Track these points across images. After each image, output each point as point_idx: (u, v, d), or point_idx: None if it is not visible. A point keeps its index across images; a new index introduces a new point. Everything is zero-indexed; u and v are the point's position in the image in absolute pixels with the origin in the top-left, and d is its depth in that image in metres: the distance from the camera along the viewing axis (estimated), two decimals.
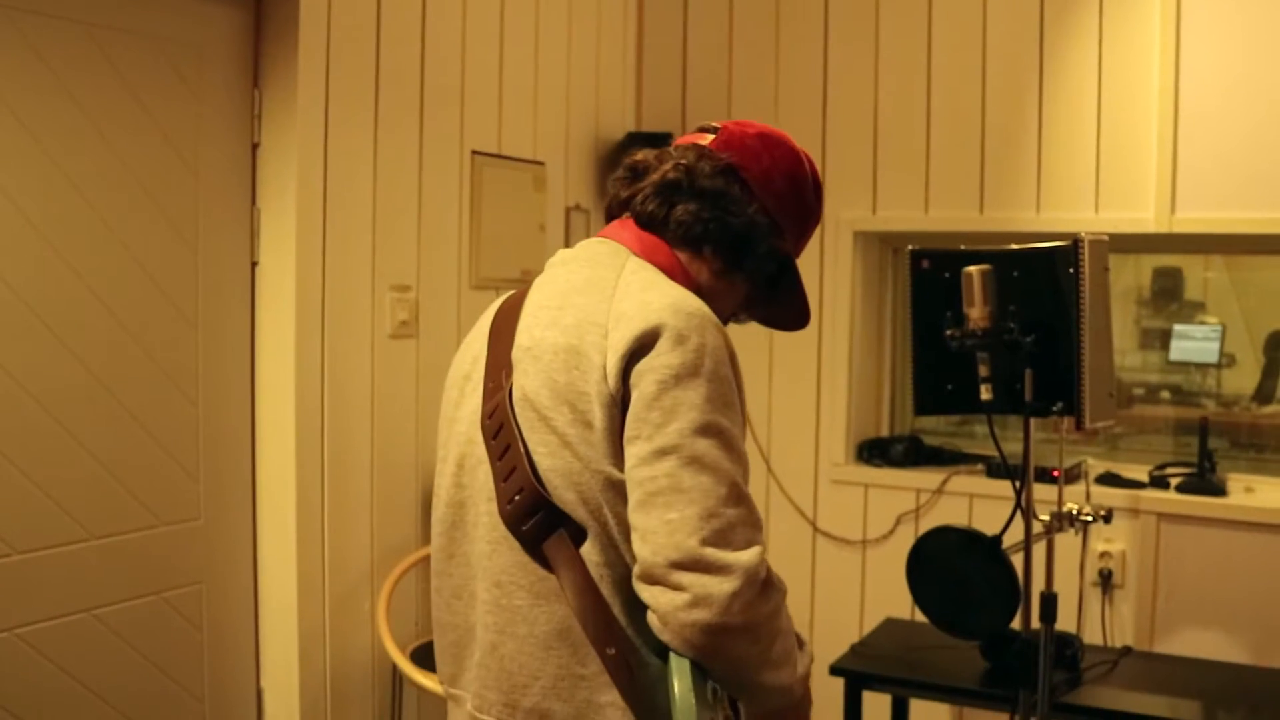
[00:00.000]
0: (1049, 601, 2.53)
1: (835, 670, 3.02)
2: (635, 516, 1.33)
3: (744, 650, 1.33)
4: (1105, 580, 3.54)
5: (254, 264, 3.03)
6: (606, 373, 1.36)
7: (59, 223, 2.57)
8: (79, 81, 2.60)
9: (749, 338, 4.02)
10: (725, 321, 1.62)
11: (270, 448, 3.04)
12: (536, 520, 1.38)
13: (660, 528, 1.30)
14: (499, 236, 3.57)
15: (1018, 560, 2.48)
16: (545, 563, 1.39)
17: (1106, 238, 2.39)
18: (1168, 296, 4.04)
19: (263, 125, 3.00)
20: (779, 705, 1.45)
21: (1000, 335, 2.32)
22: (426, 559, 3.31)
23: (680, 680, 1.30)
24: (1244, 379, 3.93)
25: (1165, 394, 4.06)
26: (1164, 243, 3.65)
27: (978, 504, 3.69)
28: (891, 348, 4.09)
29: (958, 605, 2.51)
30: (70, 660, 2.64)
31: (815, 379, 3.96)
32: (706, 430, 1.33)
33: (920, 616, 3.73)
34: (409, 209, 3.28)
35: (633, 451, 1.34)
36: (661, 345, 1.35)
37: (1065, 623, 3.27)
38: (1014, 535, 2.54)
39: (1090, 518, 2.60)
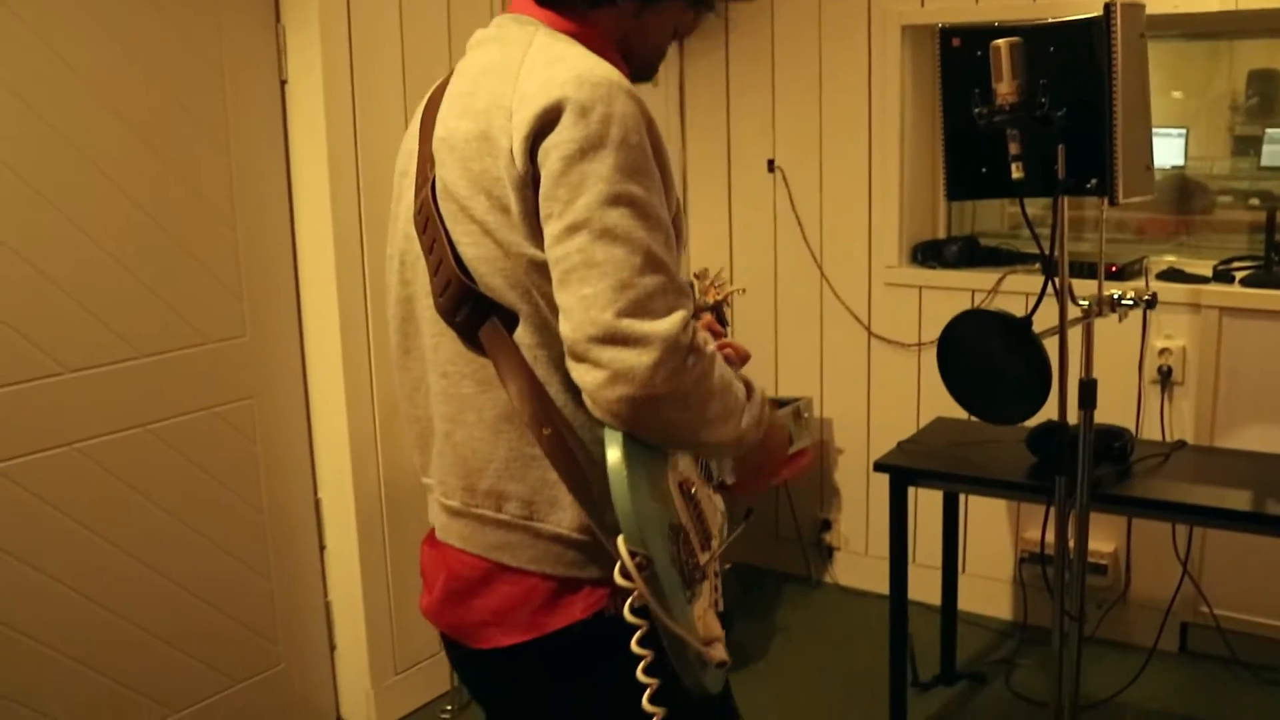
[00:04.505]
0: (1088, 388, 2.48)
1: (879, 466, 3.02)
2: (557, 296, 1.32)
3: (674, 417, 1.32)
4: (1165, 377, 3.46)
5: (283, 82, 3.01)
6: (513, 155, 1.32)
7: (83, 54, 2.57)
8: None
9: (795, 143, 3.93)
10: (664, 54, 1.58)
11: (311, 263, 3.07)
12: (468, 310, 1.38)
13: (576, 304, 1.28)
14: None
15: (1055, 346, 2.43)
16: (483, 350, 1.40)
17: (1143, 3, 2.26)
18: (1264, 101, 3.84)
19: None
20: (732, 455, 1.46)
21: (1030, 111, 2.22)
22: None
23: (611, 450, 1.30)
24: None
25: (1255, 200, 3.89)
26: (1230, 20, 3.45)
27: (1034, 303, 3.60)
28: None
29: (990, 390, 2.47)
30: (130, 473, 2.75)
31: (866, 180, 3.86)
32: (616, 200, 1.29)
33: (977, 418, 3.72)
34: (438, 21, 3.22)
35: (547, 231, 1.32)
36: (565, 120, 1.30)
37: (1123, 420, 3.22)
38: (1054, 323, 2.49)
39: (1132, 302, 2.53)
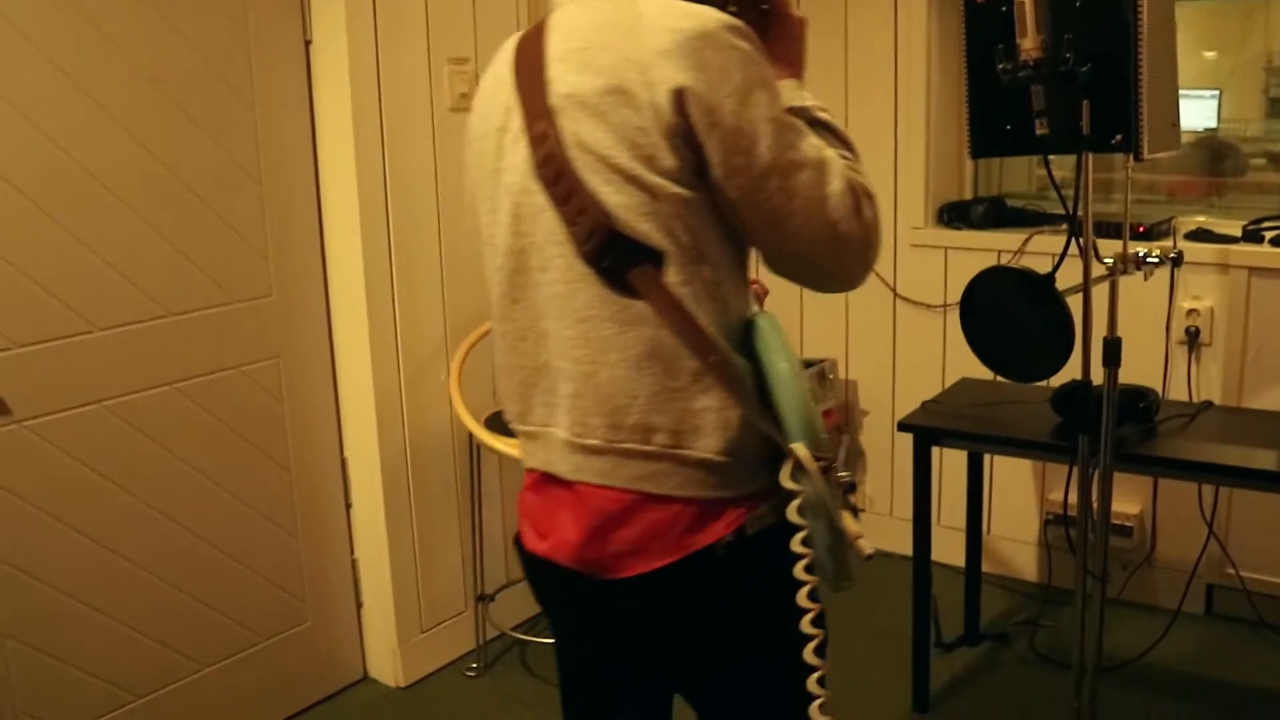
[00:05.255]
0: (1112, 346, 2.47)
1: (903, 426, 3.01)
2: (763, 236, 1.48)
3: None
4: (1192, 339, 3.43)
5: (307, 42, 3.01)
6: (659, 108, 1.41)
7: (107, 12, 2.58)
8: None
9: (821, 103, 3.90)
10: None
11: (337, 224, 3.09)
12: (615, 254, 1.46)
13: (791, 236, 1.47)
14: None
15: (1080, 305, 2.42)
16: (628, 292, 1.47)
17: None
18: None
19: None
20: None
21: (1055, 66, 2.20)
22: None
23: (781, 364, 1.47)
24: None
25: None
26: None
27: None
28: None
29: (1012, 347, 2.46)
30: (159, 431, 2.78)
31: (892, 141, 3.84)
32: (782, 132, 1.44)
33: (999, 375, 3.70)
34: None
35: (738, 183, 1.44)
36: (713, 76, 1.41)
37: (1150, 381, 3.21)
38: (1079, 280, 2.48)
39: (1157, 259, 2.51)
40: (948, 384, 3.77)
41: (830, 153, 1.50)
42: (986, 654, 3.43)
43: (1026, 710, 3.13)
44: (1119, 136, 2.25)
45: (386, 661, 3.32)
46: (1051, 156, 3.12)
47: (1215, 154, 3.89)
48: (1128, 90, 2.20)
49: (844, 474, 1.51)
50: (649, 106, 1.41)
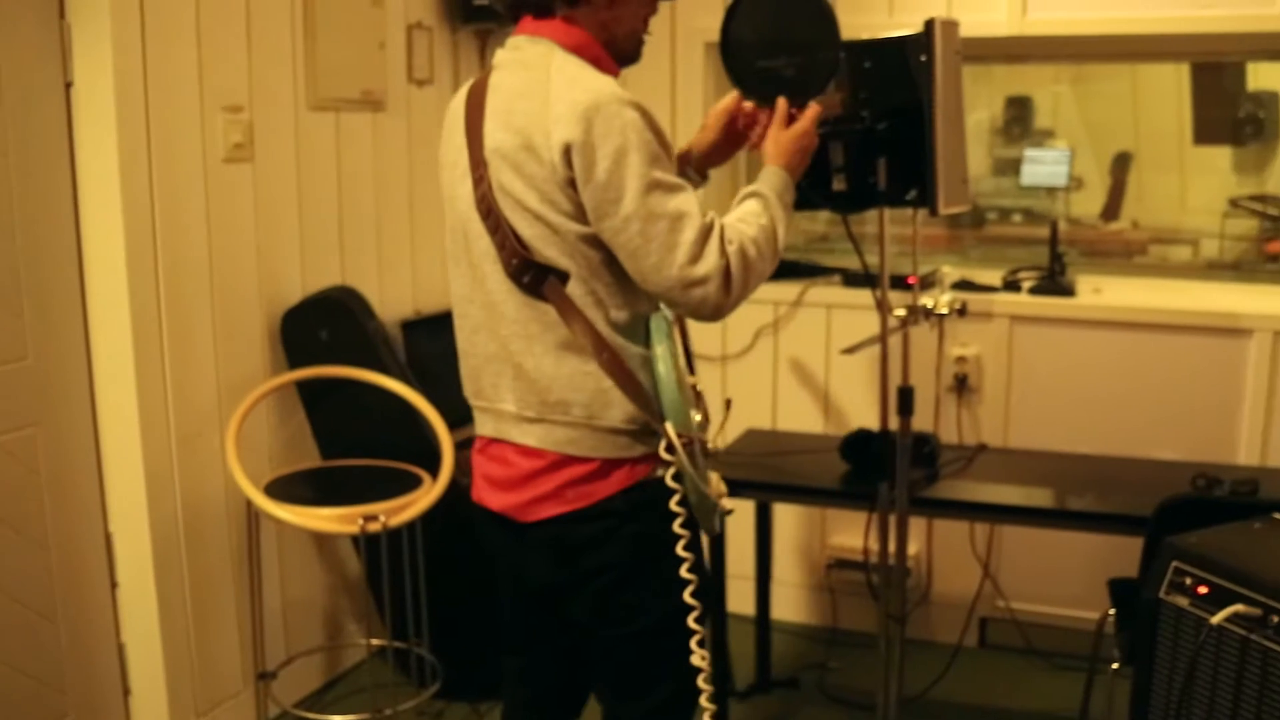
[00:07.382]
0: (906, 395, 2.56)
1: None
2: (630, 267, 1.81)
3: (754, 286, 1.87)
4: (960, 384, 3.60)
5: (68, 84, 2.80)
6: (555, 164, 1.77)
7: None
8: None
9: None
10: (644, 35, 1.97)
11: (100, 281, 2.86)
12: (532, 274, 1.83)
13: (649, 271, 1.79)
14: (336, 55, 3.37)
15: (875, 355, 2.49)
16: (544, 300, 1.84)
17: (958, 21, 2.35)
18: (1019, 125, 4.07)
19: None
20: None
21: (853, 123, 2.27)
22: (275, 390, 3.20)
23: (660, 365, 1.83)
24: (1092, 201, 4.01)
25: (1017, 217, 4.12)
26: (1015, 45, 3.64)
27: (836, 314, 3.71)
28: (748, 165, 4.02)
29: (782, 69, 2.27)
30: None
31: None
32: (648, 189, 1.76)
33: (783, 424, 3.78)
34: (237, 24, 3.07)
35: (606, 226, 1.78)
36: (595, 141, 1.74)
37: (921, 426, 3.33)
38: (870, 332, 2.55)
39: (945, 311, 2.61)
40: (729, 433, 3.83)
41: (693, 210, 1.78)
42: (779, 700, 3.47)
43: None
44: (914, 192, 2.33)
45: None
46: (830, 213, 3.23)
47: None
48: (923, 147, 2.29)
49: (711, 446, 1.88)
50: (549, 163, 1.77)
